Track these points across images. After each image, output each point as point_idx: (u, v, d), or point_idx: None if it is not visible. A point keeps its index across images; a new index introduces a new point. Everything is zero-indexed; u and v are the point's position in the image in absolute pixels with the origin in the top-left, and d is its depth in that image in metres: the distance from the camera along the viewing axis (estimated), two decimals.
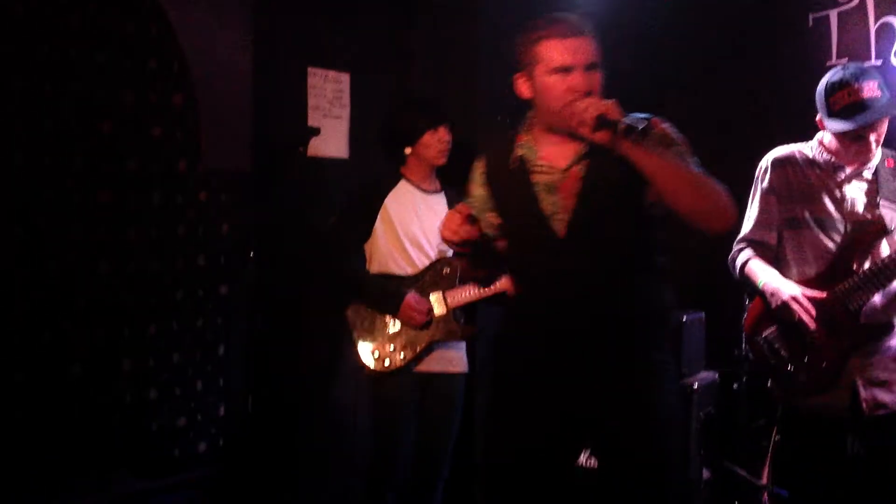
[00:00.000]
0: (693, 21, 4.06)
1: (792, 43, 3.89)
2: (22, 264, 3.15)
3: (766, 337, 2.88)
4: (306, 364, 3.65)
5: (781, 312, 2.79)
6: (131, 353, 3.36)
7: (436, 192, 3.42)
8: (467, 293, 3.29)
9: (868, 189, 2.80)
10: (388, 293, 3.27)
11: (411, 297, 3.25)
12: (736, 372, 3.74)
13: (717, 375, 3.82)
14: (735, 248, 2.95)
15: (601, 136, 2.16)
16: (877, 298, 2.74)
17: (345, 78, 3.94)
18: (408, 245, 3.33)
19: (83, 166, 3.31)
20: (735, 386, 3.75)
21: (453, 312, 3.32)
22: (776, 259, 2.89)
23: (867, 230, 2.76)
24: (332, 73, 3.90)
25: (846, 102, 2.71)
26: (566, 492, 2.36)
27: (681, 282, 2.45)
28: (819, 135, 2.87)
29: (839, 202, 2.80)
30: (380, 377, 3.27)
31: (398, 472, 3.28)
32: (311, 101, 3.83)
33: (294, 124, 3.74)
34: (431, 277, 3.32)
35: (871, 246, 2.76)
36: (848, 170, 2.81)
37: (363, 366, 3.27)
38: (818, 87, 2.80)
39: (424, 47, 4.10)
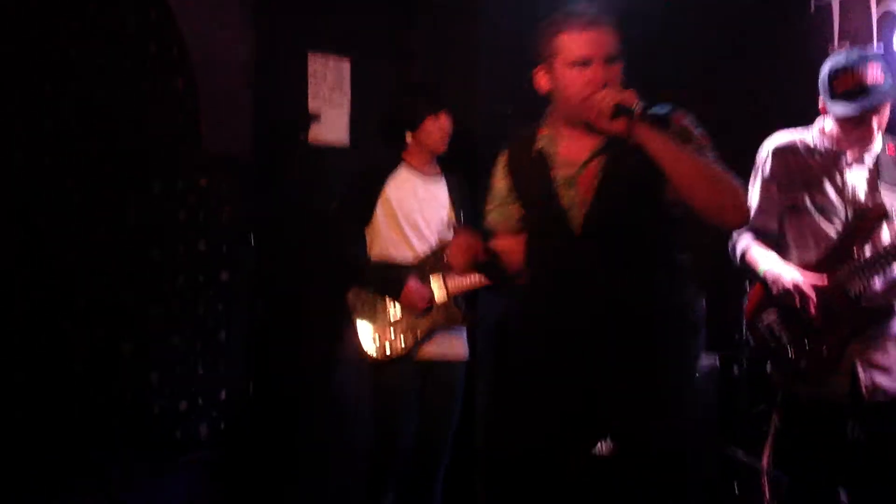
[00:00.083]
0: (695, 5, 4.04)
1: (793, 29, 3.88)
2: (22, 264, 3.16)
3: (766, 322, 2.89)
4: (307, 350, 3.66)
5: (782, 298, 2.80)
6: (133, 337, 3.37)
7: (436, 177, 3.42)
8: (468, 279, 3.29)
9: (869, 175, 2.80)
10: (389, 279, 3.27)
11: (412, 283, 3.25)
12: (736, 356, 3.74)
13: (717, 360, 3.82)
14: (735, 234, 2.96)
15: (618, 126, 2.15)
16: (877, 283, 2.74)
17: (345, 64, 3.93)
18: (408, 231, 3.33)
19: (85, 160, 3.31)
20: (735, 370, 3.76)
21: (454, 299, 3.33)
22: (777, 245, 2.89)
23: (868, 216, 2.77)
24: (332, 59, 3.89)
25: (849, 86, 2.70)
26: (578, 484, 2.36)
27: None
28: (819, 121, 2.87)
29: (840, 188, 2.81)
30: (380, 365, 3.28)
31: (399, 461, 3.29)
32: (312, 88, 3.83)
33: (294, 110, 3.73)
34: (432, 263, 3.32)
35: (871, 232, 2.76)
36: (849, 156, 2.81)
37: (364, 353, 3.28)
38: (821, 71, 2.79)
39: (425, 35, 4.09)
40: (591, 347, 2.29)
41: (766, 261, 2.84)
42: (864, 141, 2.78)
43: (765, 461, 3.47)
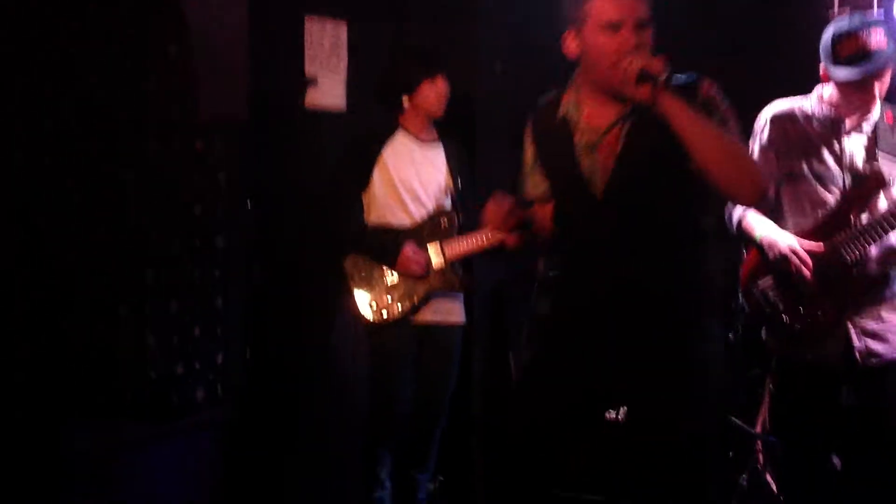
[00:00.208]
0: None
1: None
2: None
3: (762, 288, 2.90)
4: (304, 314, 3.66)
5: (778, 264, 2.80)
6: (128, 301, 3.37)
7: (433, 143, 3.41)
8: (465, 245, 3.30)
9: (867, 143, 2.79)
10: (385, 244, 3.27)
11: (409, 248, 3.25)
12: (731, 322, 3.76)
13: None
14: (730, 203, 2.95)
15: (643, 92, 2.13)
16: (873, 250, 2.75)
17: (342, 27, 3.89)
18: (405, 196, 3.32)
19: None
20: (730, 336, 3.77)
21: (451, 264, 3.33)
22: (772, 212, 2.90)
23: (866, 184, 2.77)
24: (329, 22, 3.85)
25: (853, 51, 2.69)
26: (593, 456, 2.37)
27: None
28: (818, 89, 2.86)
29: (838, 156, 2.80)
30: (378, 329, 3.29)
31: (396, 424, 3.32)
32: (308, 51, 3.79)
33: (291, 75, 3.70)
34: (429, 229, 3.32)
35: (869, 199, 2.76)
36: (847, 124, 2.80)
37: (361, 318, 3.29)
38: (823, 36, 2.78)
39: None
40: (609, 314, 2.29)
41: (763, 227, 2.85)
42: (865, 107, 2.77)
43: (759, 426, 3.51)
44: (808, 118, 2.85)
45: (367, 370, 3.37)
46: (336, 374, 3.62)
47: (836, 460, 2.99)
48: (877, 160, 2.77)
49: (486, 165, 3.72)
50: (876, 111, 2.80)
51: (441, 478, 3.65)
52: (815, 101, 2.86)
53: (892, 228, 2.69)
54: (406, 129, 3.36)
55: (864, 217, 2.76)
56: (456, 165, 3.42)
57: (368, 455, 3.34)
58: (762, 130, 2.91)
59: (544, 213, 2.49)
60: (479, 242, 3.26)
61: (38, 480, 2.91)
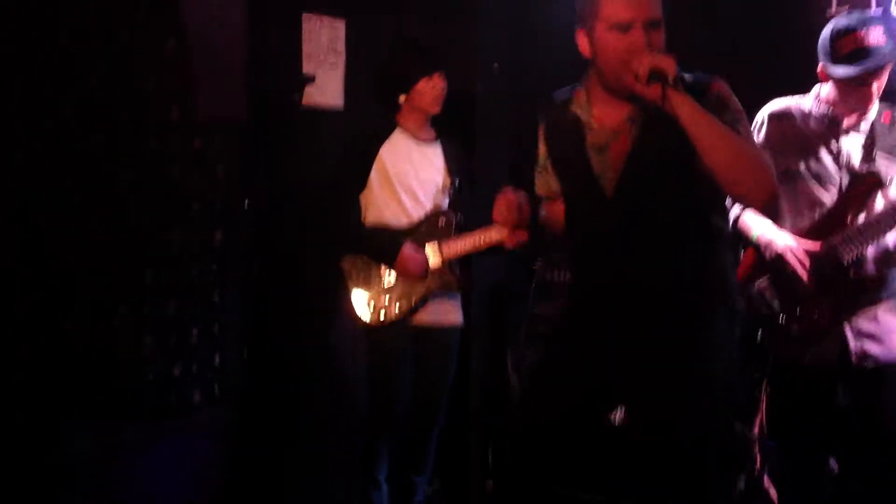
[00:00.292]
0: None
1: None
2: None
3: (758, 288, 2.90)
4: (302, 314, 3.67)
5: (775, 264, 2.80)
6: (127, 300, 3.38)
7: (431, 142, 3.40)
8: (463, 244, 3.29)
9: (865, 142, 2.79)
10: (384, 245, 3.27)
11: (407, 248, 3.25)
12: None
13: None
14: (729, 200, 2.95)
15: (653, 91, 2.12)
16: (870, 251, 2.75)
17: (340, 24, 3.89)
18: (403, 196, 3.32)
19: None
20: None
21: (449, 264, 3.33)
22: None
23: (864, 183, 2.77)
24: (327, 20, 3.84)
25: (851, 48, 2.69)
26: (596, 456, 2.37)
27: None
28: (816, 88, 2.86)
29: (836, 155, 2.80)
30: (376, 328, 3.29)
31: (395, 423, 3.32)
32: (306, 49, 3.79)
33: (289, 72, 3.70)
34: (427, 229, 3.32)
35: (866, 199, 2.76)
36: (845, 123, 2.80)
37: (359, 319, 3.29)
38: (822, 34, 2.78)
39: None
40: (618, 313, 2.29)
41: (759, 226, 2.85)
42: (863, 106, 2.77)
43: (756, 429, 3.50)
44: (805, 117, 2.85)
45: (366, 370, 3.37)
46: (335, 374, 3.62)
47: (833, 464, 2.98)
48: (874, 160, 2.77)
49: (485, 165, 3.72)
50: (874, 110, 2.80)
51: (438, 480, 3.66)
52: (812, 100, 2.86)
53: (890, 229, 2.69)
54: (404, 128, 3.36)
55: (862, 217, 2.76)
56: (454, 165, 3.41)
57: (367, 454, 3.34)
58: (759, 129, 2.91)
59: (556, 211, 2.50)
60: (478, 242, 3.26)
61: (38, 480, 2.92)
